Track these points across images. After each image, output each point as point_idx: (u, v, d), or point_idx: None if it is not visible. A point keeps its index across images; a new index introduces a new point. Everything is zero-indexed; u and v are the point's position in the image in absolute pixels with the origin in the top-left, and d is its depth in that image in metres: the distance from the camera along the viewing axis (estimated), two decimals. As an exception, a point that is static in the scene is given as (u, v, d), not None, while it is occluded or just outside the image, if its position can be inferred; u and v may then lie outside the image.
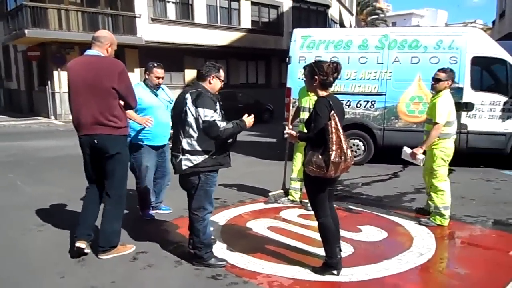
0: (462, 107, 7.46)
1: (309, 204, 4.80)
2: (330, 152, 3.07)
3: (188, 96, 3.34)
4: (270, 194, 5.50)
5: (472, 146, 7.60)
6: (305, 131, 4.73)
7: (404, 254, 3.88)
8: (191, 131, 3.33)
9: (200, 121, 3.29)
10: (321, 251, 3.60)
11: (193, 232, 3.57)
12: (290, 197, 5.53)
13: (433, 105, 4.57)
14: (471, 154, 8.03)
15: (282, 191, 5.57)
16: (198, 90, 3.36)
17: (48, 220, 4.86)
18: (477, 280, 3.41)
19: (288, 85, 8.02)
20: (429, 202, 4.84)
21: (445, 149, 4.62)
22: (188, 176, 3.44)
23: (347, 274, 3.44)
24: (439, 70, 4.65)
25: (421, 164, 4.66)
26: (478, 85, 7.65)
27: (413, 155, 4.58)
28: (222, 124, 3.32)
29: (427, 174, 4.81)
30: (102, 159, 3.68)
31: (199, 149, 3.35)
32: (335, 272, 3.41)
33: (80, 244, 3.72)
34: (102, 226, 3.79)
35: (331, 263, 3.40)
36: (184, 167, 3.38)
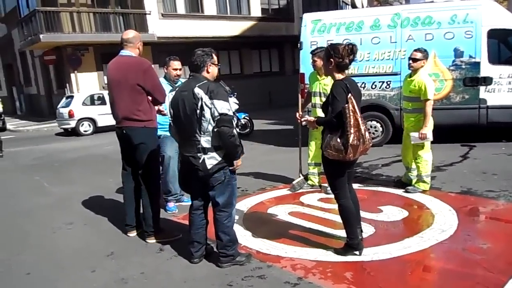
0: (480, 81, 7.35)
1: (328, 188, 4.86)
2: (349, 135, 3.09)
3: (199, 90, 3.11)
4: (293, 182, 5.55)
5: (493, 121, 7.48)
6: (321, 115, 4.80)
7: (425, 231, 3.90)
8: (210, 128, 3.15)
9: (216, 114, 3.09)
10: (343, 233, 3.64)
11: (221, 232, 3.38)
12: (309, 182, 5.58)
13: (421, 84, 4.86)
14: (492, 129, 7.92)
15: (303, 177, 5.61)
16: (205, 82, 3.20)
17: (75, 218, 5.04)
18: (500, 252, 3.40)
19: (301, 71, 8.00)
20: (409, 174, 5.32)
21: (429, 122, 4.95)
22: (213, 174, 3.26)
23: (368, 254, 3.48)
24: (415, 50, 5.00)
25: (431, 139, 4.96)
26: (496, 58, 7.48)
27: (423, 136, 4.88)
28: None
29: (408, 148, 5.21)
30: (131, 149, 4.03)
31: (216, 144, 3.19)
32: (357, 252, 3.46)
33: (130, 234, 4.26)
34: (143, 212, 4.09)
35: (352, 244, 3.45)
36: (209, 166, 3.21)
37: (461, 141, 7.93)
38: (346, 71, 3.33)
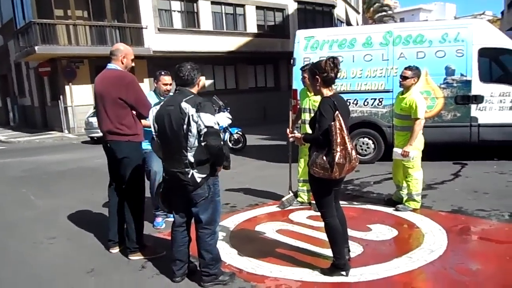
0: (472, 99, 7.35)
1: (317, 205, 4.79)
2: (335, 154, 3.03)
3: (186, 105, 3.04)
4: (282, 199, 5.47)
5: (484, 139, 7.46)
6: (309, 131, 4.76)
7: (414, 251, 3.82)
8: (196, 142, 3.09)
9: (202, 126, 3.02)
10: (330, 252, 3.55)
11: (203, 250, 3.28)
12: (299, 199, 5.50)
13: (412, 102, 4.83)
14: (484, 147, 7.90)
15: (292, 194, 5.54)
16: (192, 96, 3.15)
17: (58, 233, 4.92)
18: (490, 274, 3.32)
19: (294, 87, 7.98)
20: (399, 192, 5.25)
21: (419, 141, 4.92)
22: (197, 190, 3.17)
23: (355, 275, 3.39)
24: (405, 68, 4.97)
25: (412, 159, 4.90)
26: (487, 76, 7.51)
27: (405, 153, 4.83)
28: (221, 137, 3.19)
29: (398, 166, 5.15)
30: (115, 163, 3.97)
31: (204, 158, 3.12)
32: (343, 273, 3.37)
33: (112, 250, 4.16)
34: (126, 228, 4.03)
35: (339, 264, 3.36)
36: (199, 180, 3.14)
37: (453, 159, 7.90)
38: (333, 87, 3.29)
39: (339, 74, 3.28)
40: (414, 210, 4.99)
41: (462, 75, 7.35)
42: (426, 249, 3.85)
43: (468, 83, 7.32)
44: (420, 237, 4.17)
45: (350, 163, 3.06)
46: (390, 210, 5.11)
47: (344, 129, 3.04)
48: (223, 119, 9.58)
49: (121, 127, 3.80)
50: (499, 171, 6.92)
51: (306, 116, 5.11)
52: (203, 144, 3.06)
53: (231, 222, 4.93)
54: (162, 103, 3.27)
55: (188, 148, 3.11)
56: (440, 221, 4.59)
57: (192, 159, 3.12)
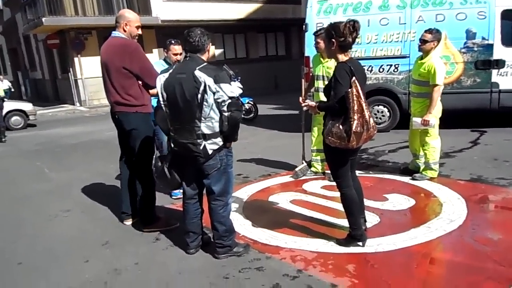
0: (493, 64, 7.05)
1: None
2: (352, 122, 2.89)
3: (201, 74, 2.89)
4: (296, 169, 5.38)
5: (505, 105, 7.20)
6: (323, 99, 4.60)
7: (432, 221, 3.72)
8: (212, 113, 2.96)
9: (226, 98, 2.90)
10: (345, 223, 3.48)
11: (216, 221, 3.23)
12: (313, 168, 5.41)
13: (430, 67, 4.60)
14: (503, 114, 7.64)
15: (306, 164, 5.44)
16: (205, 64, 3.02)
17: (72, 205, 4.93)
18: (510, 244, 3.21)
19: (306, 54, 7.75)
20: (416, 161, 5.10)
21: (437, 108, 4.72)
22: (209, 161, 3.09)
23: (372, 245, 3.31)
24: (425, 31, 4.70)
25: (433, 127, 4.74)
26: (510, 40, 7.16)
27: (426, 122, 4.67)
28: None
29: (415, 135, 4.97)
30: (124, 135, 3.91)
31: (218, 130, 3.02)
32: (360, 243, 3.30)
33: (126, 222, 4.15)
34: (138, 200, 3.98)
35: (355, 235, 3.28)
36: (210, 151, 3.04)
37: (471, 127, 7.68)
38: (350, 52, 3.11)
39: (356, 40, 3.10)
40: (431, 179, 4.86)
41: (483, 38, 7.02)
42: (444, 219, 3.75)
43: (489, 47, 7.00)
44: (438, 207, 4.06)
45: (367, 131, 2.93)
46: (406, 179, 4.99)
47: (362, 96, 2.88)
48: (234, 88, 9.50)
49: (127, 98, 3.69)
50: (519, 138, 6.71)
51: (320, 84, 4.95)
52: (226, 114, 2.95)
53: (244, 193, 4.88)
54: (171, 70, 3.10)
55: (202, 119, 2.99)
56: (459, 190, 4.47)
57: (205, 130, 3.01)
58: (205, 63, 3.03)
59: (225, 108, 2.95)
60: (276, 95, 16.78)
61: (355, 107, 2.85)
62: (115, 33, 3.77)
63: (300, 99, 5.24)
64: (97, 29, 16.69)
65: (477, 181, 4.79)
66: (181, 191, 4.74)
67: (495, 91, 7.16)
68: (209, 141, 3.04)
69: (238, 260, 3.25)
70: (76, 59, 16.91)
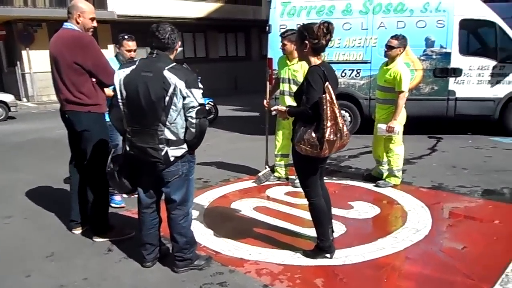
0: (450, 72, 7.22)
1: (296, 181, 4.55)
2: (325, 129, 2.73)
3: (170, 75, 2.64)
4: (259, 174, 5.19)
5: (460, 113, 7.41)
6: (288, 103, 4.44)
7: (399, 231, 3.65)
8: (178, 119, 2.72)
9: (196, 104, 2.69)
10: (311, 232, 3.36)
11: (176, 233, 2.96)
12: (276, 174, 5.25)
13: (396, 73, 4.57)
14: (458, 121, 7.86)
15: (269, 169, 5.27)
16: (174, 65, 2.76)
17: (15, 211, 4.48)
18: (477, 255, 3.18)
19: (269, 56, 7.59)
20: (379, 167, 5.07)
21: (402, 115, 4.71)
22: (170, 167, 2.83)
23: (340, 257, 3.18)
24: (392, 37, 4.67)
25: (397, 134, 4.72)
26: (466, 49, 7.39)
27: (390, 129, 4.63)
28: None
29: (379, 141, 4.93)
30: (75, 137, 3.58)
31: (182, 137, 2.78)
32: (328, 255, 3.16)
33: (75, 231, 3.80)
34: (89, 207, 3.65)
35: (323, 247, 3.14)
36: (172, 158, 2.79)
37: (428, 133, 7.84)
38: (323, 55, 2.96)
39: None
40: (394, 186, 4.85)
41: (442, 47, 7.18)
42: (410, 228, 3.70)
43: (447, 56, 7.18)
44: (403, 215, 4.02)
45: (341, 139, 2.78)
46: (370, 186, 4.95)
47: (335, 102, 2.74)
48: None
49: (79, 96, 3.35)
50: (474, 145, 6.89)
51: (285, 87, 4.80)
52: (194, 121, 2.73)
53: (204, 199, 4.64)
54: (133, 67, 2.78)
55: (167, 123, 2.72)
56: (422, 197, 4.46)
57: (169, 136, 2.76)
58: (174, 63, 2.77)
59: (193, 114, 2.72)
60: (236, 96, 16.59)
61: (328, 114, 2.69)
62: (66, 25, 3.42)
63: (265, 101, 5.09)
64: (47, 22, 15.76)
65: (438, 188, 4.82)
66: (124, 199, 4.48)
67: (451, 98, 7.35)
68: (172, 147, 2.79)
69: (199, 274, 3.01)
70: (24, 52, 15.90)
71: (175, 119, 2.73)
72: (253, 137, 8.16)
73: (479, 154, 6.37)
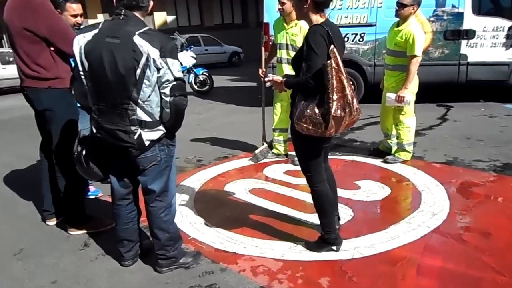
0: (462, 35, 6.65)
1: (296, 158, 4.10)
2: (330, 104, 2.23)
3: (143, 42, 2.14)
4: (256, 152, 4.75)
5: (472, 79, 6.88)
6: (287, 72, 3.93)
7: (413, 215, 3.23)
8: (153, 96, 2.24)
9: (170, 78, 2.21)
10: (314, 218, 2.95)
11: (157, 228, 2.54)
12: (274, 150, 4.80)
13: (408, 35, 4.03)
14: (469, 88, 7.33)
15: (266, 145, 4.82)
16: (147, 29, 2.23)
17: (-15, 198, 4.06)
18: (505, 245, 2.76)
19: (265, 21, 7.00)
20: (387, 141, 4.61)
21: (413, 83, 4.21)
22: (145, 153, 2.37)
23: (348, 249, 2.77)
24: None
25: (408, 104, 4.21)
26: (480, 8, 6.76)
27: (401, 98, 4.13)
28: None
29: (388, 112, 4.45)
30: (37, 117, 3.19)
31: (158, 117, 2.31)
32: (334, 248, 2.74)
33: (48, 222, 3.42)
34: (63, 196, 3.24)
35: (328, 239, 2.72)
36: (147, 143, 2.33)
37: (436, 101, 7.33)
38: (326, 12, 2.43)
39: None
40: (404, 161, 4.40)
41: (453, 6, 6.58)
42: (426, 212, 3.27)
43: (459, 16, 6.58)
44: (417, 197, 3.58)
45: (350, 115, 2.30)
46: (377, 162, 4.51)
47: (342, 69, 2.23)
48: (187, 58, 8.44)
49: (36, 69, 2.85)
50: (488, 114, 6.40)
51: (283, 54, 4.27)
52: (168, 99, 2.24)
53: (196, 180, 4.21)
54: (96, 31, 2.25)
55: (139, 101, 2.23)
56: (436, 174, 4.03)
57: (142, 116, 2.27)
58: (146, 27, 2.23)
59: (166, 91, 2.22)
60: (232, 66, 15.96)
61: (335, 84, 2.18)
62: None
63: (260, 71, 4.59)
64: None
65: (453, 163, 4.37)
66: (99, 186, 3.99)
67: (463, 63, 6.81)
68: (146, 130, 2.31)
69: (185, 274, 2.60)
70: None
71: (149, 96, 2.23)
72: (251, 109, 7.65)
73: (493, 123, 5.88)
